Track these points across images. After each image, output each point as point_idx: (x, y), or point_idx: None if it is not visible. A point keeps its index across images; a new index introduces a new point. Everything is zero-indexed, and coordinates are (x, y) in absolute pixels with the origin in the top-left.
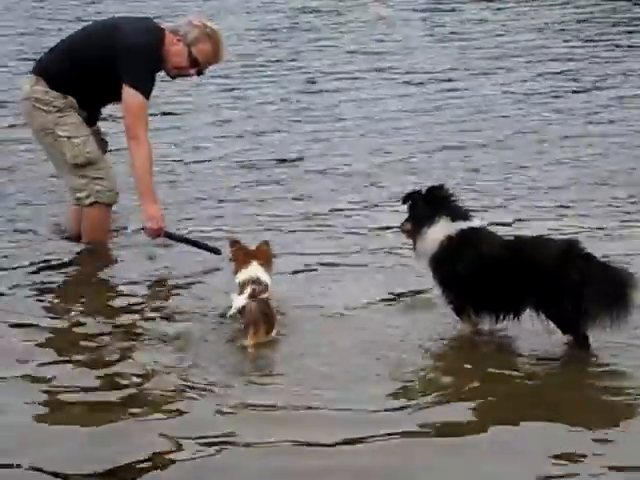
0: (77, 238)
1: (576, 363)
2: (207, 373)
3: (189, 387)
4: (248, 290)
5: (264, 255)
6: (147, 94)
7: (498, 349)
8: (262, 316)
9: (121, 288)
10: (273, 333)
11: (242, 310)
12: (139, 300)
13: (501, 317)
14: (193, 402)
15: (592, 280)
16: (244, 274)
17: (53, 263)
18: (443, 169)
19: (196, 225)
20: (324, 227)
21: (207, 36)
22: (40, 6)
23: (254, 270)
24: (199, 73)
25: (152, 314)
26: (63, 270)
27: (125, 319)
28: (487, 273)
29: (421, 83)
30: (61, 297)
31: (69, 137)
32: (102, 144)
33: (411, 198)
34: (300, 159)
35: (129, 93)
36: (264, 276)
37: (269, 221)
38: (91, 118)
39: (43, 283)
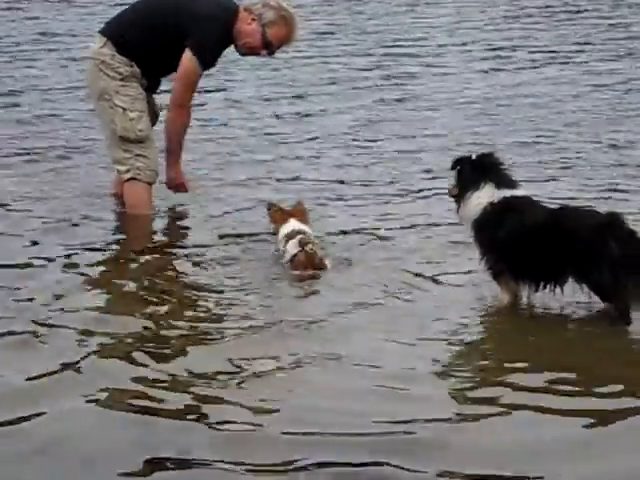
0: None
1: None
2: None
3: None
4: (295, 240)
5: (300, 213)
6: (205, 64)
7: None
8: (310, 265)
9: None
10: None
11: (293, 258)
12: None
13: (541, 285)
14: None
15: (631, 254)
16: (285, 229)
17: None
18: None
19: None
20: None
21: (283, 19)
22: None
23: (293, 224)
24: (270, 53)
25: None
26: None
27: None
28: (528, 240)
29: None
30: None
31: (125, 109)
32: (153, 115)
33: (460, 163)
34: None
35: (187, 57)
36: (304, 227)
37: None
38: (150, 86)
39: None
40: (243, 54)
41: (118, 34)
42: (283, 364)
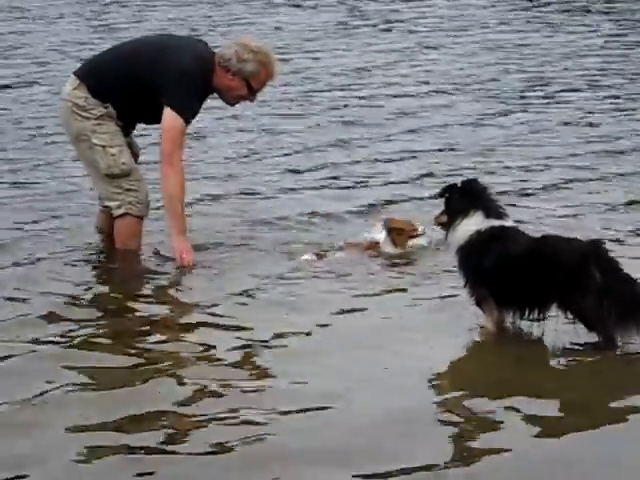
0: (108, 237)
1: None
2: None
3: None
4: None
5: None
6: (188, 119)
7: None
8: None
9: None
10: None
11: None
12: None
13: (525, 313)
14: None
15: (613, 281)
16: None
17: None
18: None
19: None
20: None
21: (262, 65)
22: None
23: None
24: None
25: None
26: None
27: None
28: (512, 268)
29: None
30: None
31: (104, 146)
32: (134, 155)
33: (448, 191)
34: None
35: (169, 115)
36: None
37: None
38: (125, 128)
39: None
40: (233, 104)
41: (92, 78)
42: None
